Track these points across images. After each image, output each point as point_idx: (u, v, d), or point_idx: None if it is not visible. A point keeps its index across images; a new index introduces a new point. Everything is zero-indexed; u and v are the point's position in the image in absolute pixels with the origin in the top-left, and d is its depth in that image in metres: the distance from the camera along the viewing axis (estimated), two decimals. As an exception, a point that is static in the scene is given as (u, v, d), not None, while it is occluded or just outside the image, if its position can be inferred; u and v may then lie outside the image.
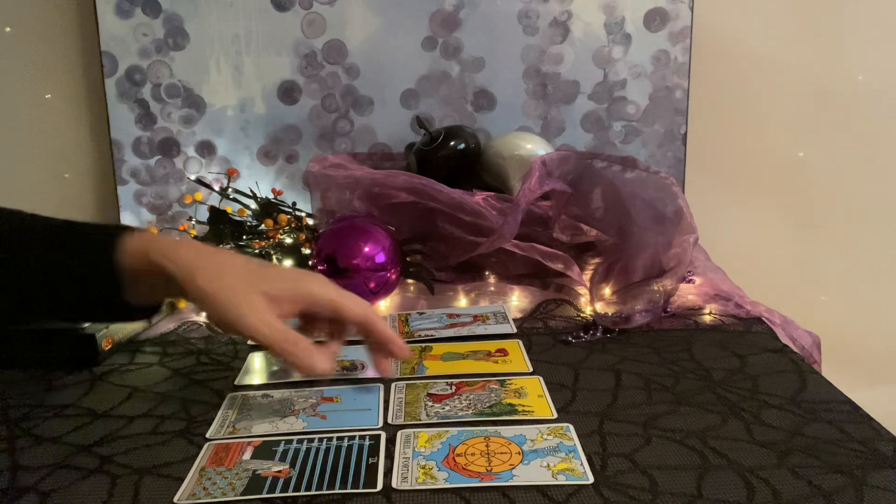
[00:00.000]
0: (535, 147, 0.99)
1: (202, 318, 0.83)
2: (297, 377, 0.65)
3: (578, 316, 0.82)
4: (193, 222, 1.02)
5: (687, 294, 0.85)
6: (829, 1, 1.16)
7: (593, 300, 0.81)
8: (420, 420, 0.58)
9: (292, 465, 0.52)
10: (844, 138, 1.21)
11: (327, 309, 0.58)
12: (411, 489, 0.49)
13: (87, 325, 0.71)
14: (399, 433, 0.55)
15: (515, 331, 0.76)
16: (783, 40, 1.18)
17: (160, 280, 0.56)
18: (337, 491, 0.48)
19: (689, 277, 0.88)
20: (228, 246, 0.95)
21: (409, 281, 0.91)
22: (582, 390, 0.63)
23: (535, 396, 0.62)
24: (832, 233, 1.25)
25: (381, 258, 0.82)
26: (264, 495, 0.48)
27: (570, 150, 1.10)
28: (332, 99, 1.14)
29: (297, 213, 1.00)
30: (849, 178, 1.23)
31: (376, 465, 0.51)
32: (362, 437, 0.55)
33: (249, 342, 0.74)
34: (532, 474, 0.50)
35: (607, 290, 0.82)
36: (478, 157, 1.02)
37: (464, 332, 0.76)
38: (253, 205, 1.01)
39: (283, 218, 0.95)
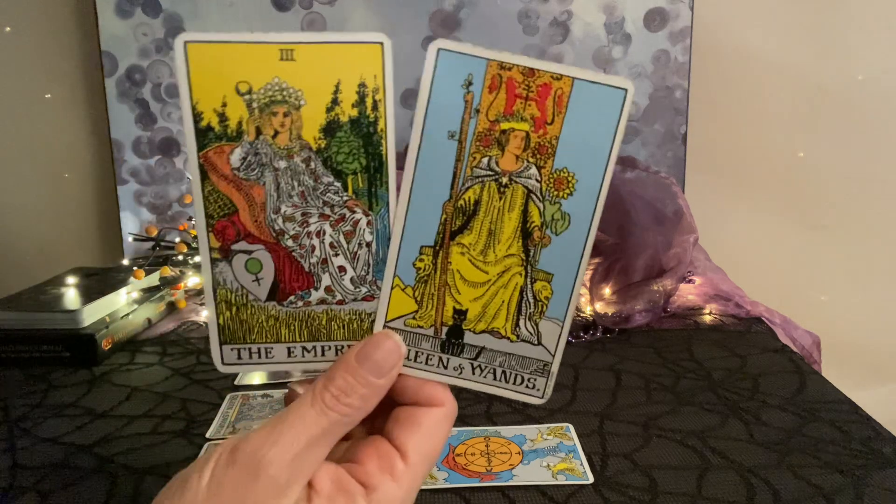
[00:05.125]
0: (535, 147, 0.99)
1: (203, 317, 0.83)
2: (298, 376, 0.65)
3: (578, 316, 0.82)
4: (193, 222, 1.02)
5: (687, 294, 0.85)
6: (828, 1, 1.16)
7: (593, 300, 0.81)
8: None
9: (292, 465, 0.52)
10: (844, 138, 1.21)
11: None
12: (411, 489, 0.48)
13: (86, 324, 0.71)
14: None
15: (515, 331, 0.76)
16: (783, 40, 1.18)
17: None
18: (337, 491, 0.48)
19: (689, 277, 0.88)
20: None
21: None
22: (582, 390, 0.63)
23: None
24: (832, 233, 1.25)
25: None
26: (264, 495, 0.48)
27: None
28: (332, 99, 1.14)
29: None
30: (849, 178, 1.23)
31: (376, 465, 0.51)
32: (362, 437, 0.55)
33: None
34: (532, 474, 0.50)
35: (607, 290, 0.82)
36: (478, 157, 1.02)
37: (464, 332, 0.76)
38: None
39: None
